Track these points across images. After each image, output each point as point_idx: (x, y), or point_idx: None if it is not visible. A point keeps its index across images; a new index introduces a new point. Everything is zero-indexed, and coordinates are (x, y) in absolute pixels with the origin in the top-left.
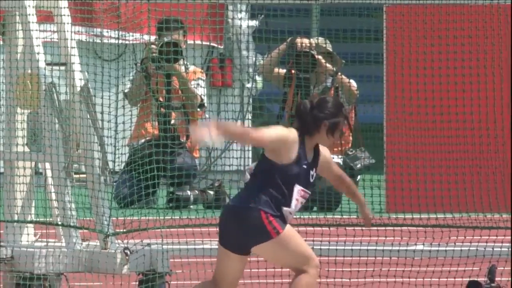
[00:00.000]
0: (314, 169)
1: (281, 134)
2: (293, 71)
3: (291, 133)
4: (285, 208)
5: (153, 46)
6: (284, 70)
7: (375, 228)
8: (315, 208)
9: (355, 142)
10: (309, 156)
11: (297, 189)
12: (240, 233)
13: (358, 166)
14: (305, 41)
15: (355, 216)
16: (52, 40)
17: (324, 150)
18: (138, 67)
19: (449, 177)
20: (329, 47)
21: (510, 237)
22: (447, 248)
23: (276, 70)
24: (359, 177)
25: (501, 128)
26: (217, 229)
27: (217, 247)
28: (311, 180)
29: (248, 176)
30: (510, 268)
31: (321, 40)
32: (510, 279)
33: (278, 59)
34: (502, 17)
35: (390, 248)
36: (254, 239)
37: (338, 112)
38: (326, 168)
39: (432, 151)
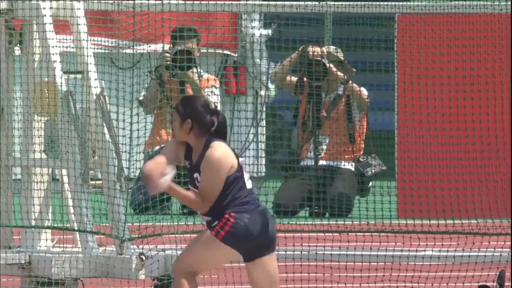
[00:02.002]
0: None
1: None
2: (305, 79)
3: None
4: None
5: (167, 54)
6: (296, 78)
7: (386, 234)
8: (326, 214)
9: (366, 149)
10: (194, 158)
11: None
12: (268, 241)
13: (370, 173)
14: (317, 49)
15: (365, 222)
16: (69, 48)
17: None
18: (153, 75)
19: (459, 183)
20: (341, 56)
21: None
22: (456, 254)
23: (288, 78)
24: (370, 183)
25: (510, 135)
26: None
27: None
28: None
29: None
30: (510, 273)
31: (332, 48)
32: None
33: (290, 67)
34: (504, 25)
35: (399, 254)
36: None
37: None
38: None
39: (442, 158)
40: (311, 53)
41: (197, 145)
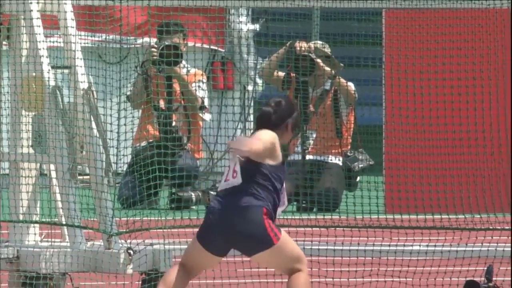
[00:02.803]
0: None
1: (273, 136)
2: (292, 74)
3: (274, 134)
4: (279, 209)
5: (153, 49)
6: (283, 73)
7: (373, 229)
8: (314, 209)
9: (354, 144)
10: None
11: (284, 187)
12: (236, 237)
13: (357, 167)
14: (304, 44)
15: (353, 217)
16: (57, 44)
17: None
18: (139, 70)
19: (446, 179)
20: (328, 51)
21: (507, 237)
22: (444, 249)
23: (275, 73)
24: (358, 178)
25: (497, 130)
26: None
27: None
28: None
29: (237, 180)
30: (510, 268)
31: (319, 43)
32: (510, 278)
33: (277, 62)
34: (498, 21)
35: (387, 248)
36: (255, 246)
37: (294, 109)
38: None
39: (430, 153)
40: (298, 48)
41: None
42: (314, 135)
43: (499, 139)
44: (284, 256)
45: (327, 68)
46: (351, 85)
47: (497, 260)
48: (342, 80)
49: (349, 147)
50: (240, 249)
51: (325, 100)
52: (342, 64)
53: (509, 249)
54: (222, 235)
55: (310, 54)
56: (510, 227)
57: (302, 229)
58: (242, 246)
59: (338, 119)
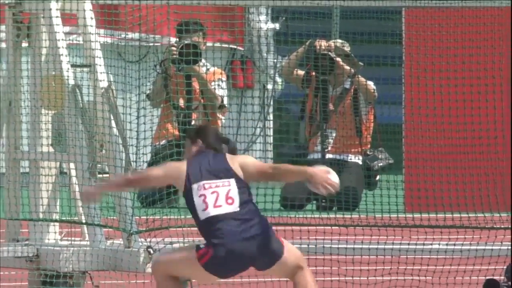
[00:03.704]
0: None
1: None
2: (312, 73)
3: None
4: None
5: (173, 48)
6: (303, 72)
7: (393, 228)
8: (334, 208)
9: (374, 143)
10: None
11: None
12: (256, 261)
13: (377, 166)
14: (324, 43)
15: (372, 216)
16: (76, 42)
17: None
18: (158, 69)
19: (466, 177)
20: (347, 49)
21: None
22: (463, 248)
23: (295, 72)
24: (378, 177)
25: (509, 130)
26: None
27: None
28: None
29: (233, 207)
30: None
31: (339, 42)
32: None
33: (297, 61)
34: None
35: (407, 247)
36: (273, 259)
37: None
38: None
39: (449, 152)
40: (318, 47)
41: None
42: (334, 134)
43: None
44: (292, 258)
45: (347, 67)
46: (371, 84)
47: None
48: (362, 79)
49: (368, 146)
50: (258, 268)
51: (344, 99)
52: (361, 63)
53: None
54: (242, 269)
55: (329, 52)
56: None
57: (322, 228)
58: (261, 265)
59: (357, 118)
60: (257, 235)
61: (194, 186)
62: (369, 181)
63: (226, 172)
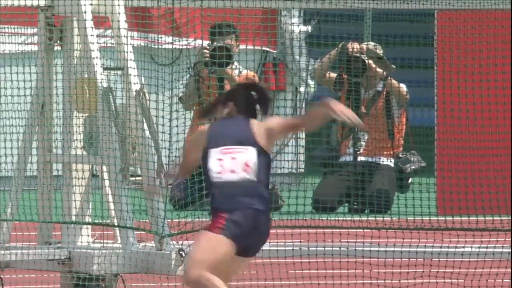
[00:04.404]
0: None
1: None
2: (344, 76)
3: None
4: None
5: (205, 50)
6: (335, 75)
7: (425, 231)
8: (366, 211)
9: (406, 146)
10: None
11: None
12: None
13: (409, 169)
14: (356, 46)
15: (404, 219)
16: (108, 45)
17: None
18: (191, 71)
19: (498, 180)
20: (380, 52)
21: None
22: (495, 250)
23: (327, 74)
24: (410, 180)
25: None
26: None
27: (269, 248)
28: None
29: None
30: (510, 269)
31: (371, 44)
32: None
33: (329, 63)
34: None
35: (439, 250)
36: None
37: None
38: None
39: (482, 154)
40: (350, 49)
41: None
42: (366, 137)
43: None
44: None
45: (379, 70)
46: (403, 87)
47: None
48: (394, 82)
49: (401, 148)
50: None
51: (377, 102)
52: (393, 66)
53: None
54: (259, 238)
55: (362, 55)
56: None
57: (354, 230)
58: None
59: (390, 121)
60: (264, 212)
61: (213, 150)
62: (401, 184)
63: (248, 139)
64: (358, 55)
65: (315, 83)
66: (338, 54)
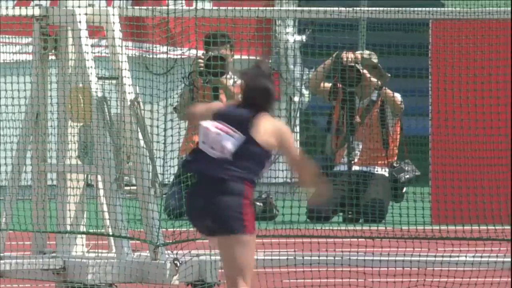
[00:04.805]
0: None
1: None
2: (339, 85)
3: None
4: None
5: (200, 60)
6: (330, 84)
7: (419, 240)
8: (360, 220)
9: (400, 155)
10: None
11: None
12: (210, 211)
13: (403, 178)
14: (350, 55)
15: (399, 228)
16: (103, 54)
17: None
18: (186, 81)
19: (492, 189)
20: (375, 60)
21: None
22: (490, 260)
23: (322, 84)
24: (404, 189)
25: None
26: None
27: (263, 258)
28: None
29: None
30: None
31: (367, 53)
32: None
33: (324, 73)
34: None
35: (433, 259)
36: (226, 226)
37: None
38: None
39: (476, 164)
40: (345, 59)
41: None
42: (361, 146)
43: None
44: (242, 256)
45: (374, 79)
46: (398, 96)
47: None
48: (389, 91)
49: (395, 157)
50: (211, 226)
51: (371, 111)
52: (389, 74)
53: None
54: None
55: (356, 64)
56: None
57: (348, 240)
58: (213, 221)
59: (384, 130)
60: (222, 193)
61: (210, 121)
62: (396, 193)
63: (242, 126)
64: (352, 64)
65: (310, 92)
66: (333, 63)
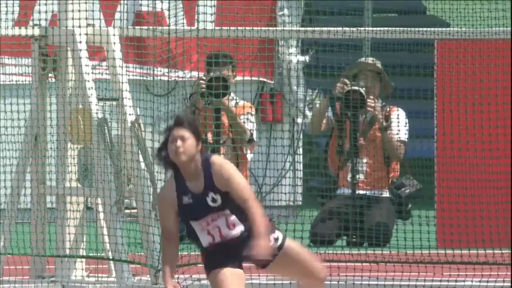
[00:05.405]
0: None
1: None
2: (338, 112)
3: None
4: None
5: (201, 81)
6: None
7: (425, 264)
8: (364, 244)
9: (402, 171)
10: (195, 184)
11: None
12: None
13: (405, 193)
14: (341, 84)
15: (404, 252)
16: (104, 75)
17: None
18: (187, 102)
19: (499, 213)
20: (379, 66)
21: None
22: (496, 284)
23: (323, 126)
24: (409, 205)
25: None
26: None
27: (266, 282)
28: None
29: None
30: None
31: (370, 60)
32: None
33: (321, 117)
34: None
35: (439, 284)
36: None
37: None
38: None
39: (482, 186)
40: (340, 88)
41: (196, 166)
42: (364, 163)
43: None
44: (299, 246)
45: (378, 109)
46: (402, 114)
47: None
48: (391, 136)
49: (397, 173)
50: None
51: (374, 124)
52: (392, 84)
53: None
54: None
55: (359, 88)
56: None
57: (352, 264)
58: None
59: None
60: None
61: (192, 223)
62: (400, 210)
63: (218, 206)
64: (356, 88)
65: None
66: (328, 102)
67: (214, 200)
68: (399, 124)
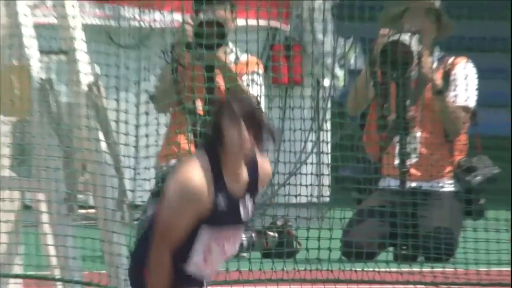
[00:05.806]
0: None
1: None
2: (380, 78)
3: None
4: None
5: (188, 27)
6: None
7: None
8: (418, 258)
9: (470, 149)
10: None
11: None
12: None
13: (478, 178)
14: (382, 35)
15: (474, 270)
16: (48, 19)
17: None
18: (167, 57)
19: None
20: (437, 4)
21: None
22: None
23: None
24: (482, 200)
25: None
26: None
27: None
28: None
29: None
30: None
31: None
32: None
33: (361, 94)
34: None
35: None
36: None
37: None
38: None
39: None
40: (381, 41)
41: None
42: (418, 142)
43: None
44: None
45: (429, 59)
46: (471, 68)
47: None
48: (449, 100)
49: (463, 154)
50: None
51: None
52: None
53: None
54: None
55: (401, 38)
56: None
57: (402, 286)
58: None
59: None
60: None
61: (205, 234)
62: (469, 208)
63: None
64: (396, 39)
65: (345, 73)
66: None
67: (247, 209)
68: (466, 84)
